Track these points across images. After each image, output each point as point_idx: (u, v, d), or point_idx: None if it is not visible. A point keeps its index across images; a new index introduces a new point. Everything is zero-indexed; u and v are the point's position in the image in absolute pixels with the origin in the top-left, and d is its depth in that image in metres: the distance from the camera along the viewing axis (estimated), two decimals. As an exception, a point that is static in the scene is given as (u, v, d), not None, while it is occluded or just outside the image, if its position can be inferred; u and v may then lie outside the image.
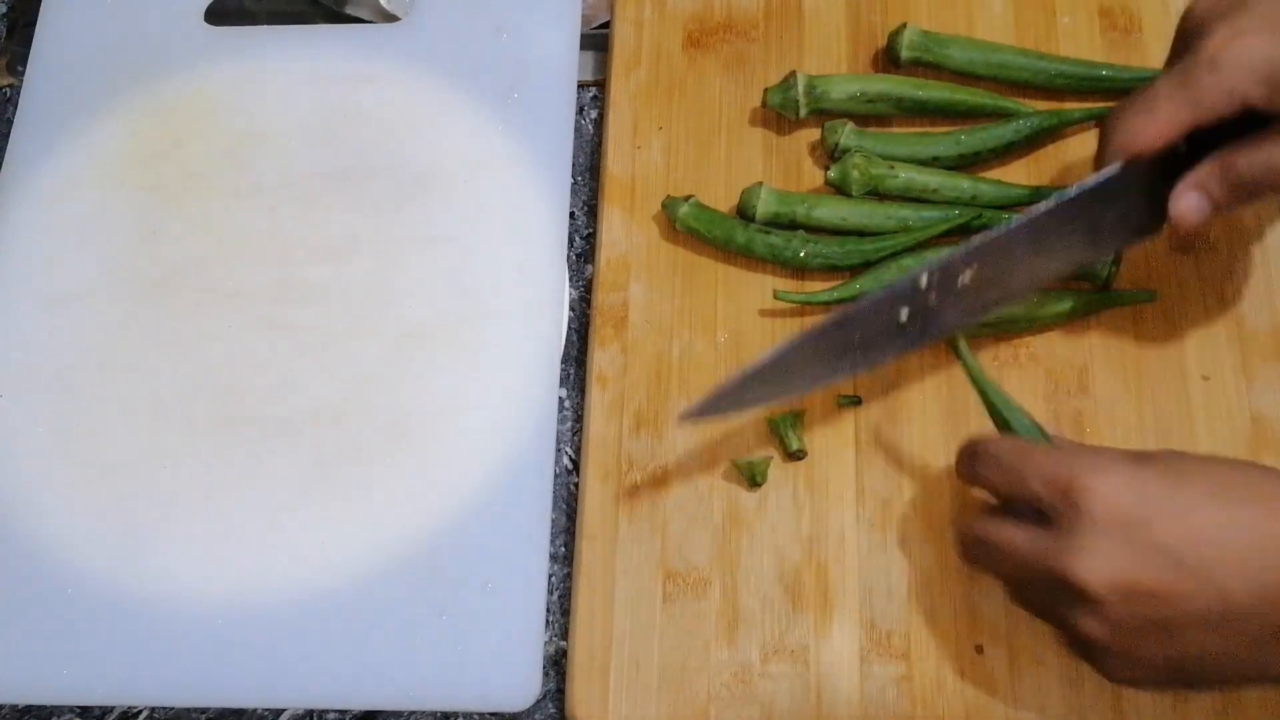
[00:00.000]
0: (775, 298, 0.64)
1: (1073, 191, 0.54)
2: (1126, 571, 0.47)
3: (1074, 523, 0.48)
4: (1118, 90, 0.67)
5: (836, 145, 0.66)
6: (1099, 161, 0.55)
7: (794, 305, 0.64)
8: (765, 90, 0.68)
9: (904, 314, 0.55)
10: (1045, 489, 0.50)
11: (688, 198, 0.66)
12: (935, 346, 0.63)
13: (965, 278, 0.55)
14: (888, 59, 0.69)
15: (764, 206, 0.65)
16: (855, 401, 0.62)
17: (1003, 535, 0.51)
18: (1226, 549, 0.47)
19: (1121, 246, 0.60)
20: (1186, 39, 0.54)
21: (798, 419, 0.61)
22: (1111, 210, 0.56)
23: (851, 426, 0.62)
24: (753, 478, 0.60)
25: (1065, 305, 0.63)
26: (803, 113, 0.67)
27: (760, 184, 0.65)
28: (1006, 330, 0.63)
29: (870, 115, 0.68)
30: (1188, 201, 0.54)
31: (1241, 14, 0.51)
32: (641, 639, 0.58)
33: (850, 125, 0.66)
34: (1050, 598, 0.50)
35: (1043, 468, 0.50)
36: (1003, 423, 0.56)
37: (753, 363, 0.54)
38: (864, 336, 0.55)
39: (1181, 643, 0.48)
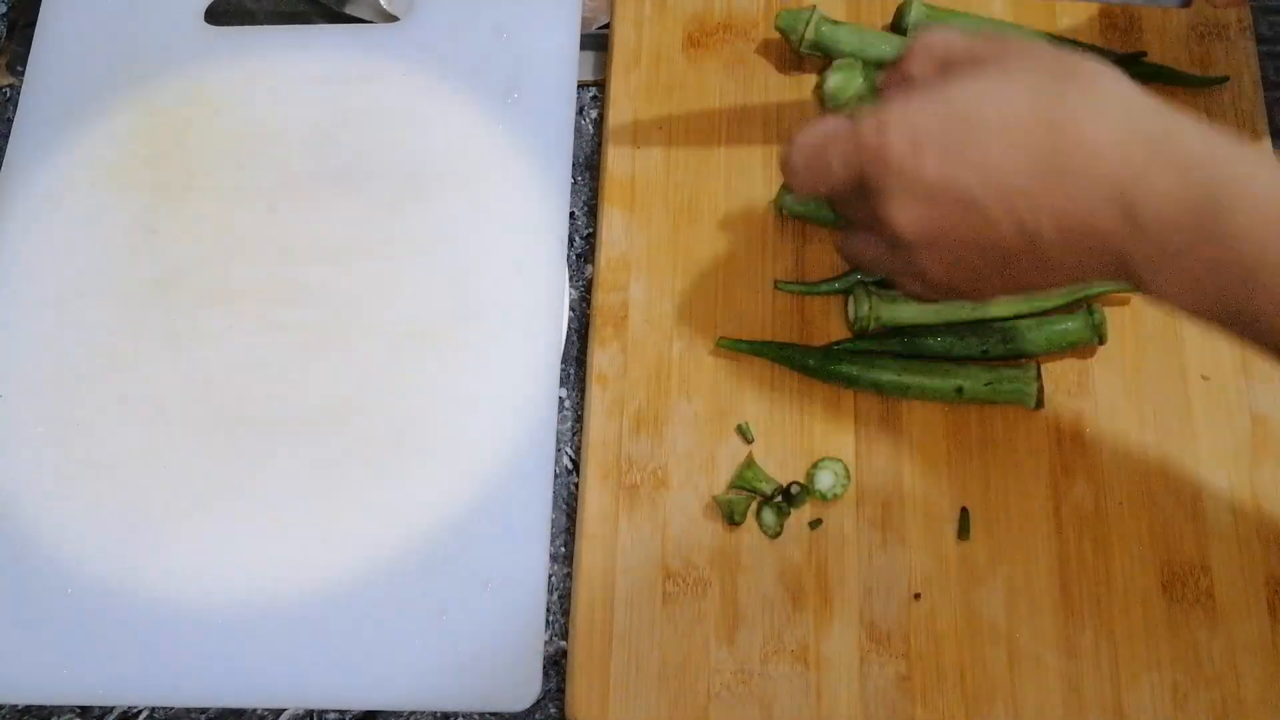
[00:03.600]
0: (775, 288, 0.64)
1: None
2: (929, 222, 0.49)
3: (875, 183, 0.50)
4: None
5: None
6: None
7: (793, 306, 0.64)
8: (778, 13, 0.69)
9: None
10: (841, 163, 0.51)
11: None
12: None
13: None
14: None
15: None
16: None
17: (842, 208, 0.55)
18: (1023, 184, 0.47)
19: None
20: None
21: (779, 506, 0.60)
22: None
23: (851, 426, 0.62)
24: (731, 516, 0.60)
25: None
26: (805, 45, 0.68)
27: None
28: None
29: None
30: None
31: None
32: (641, 639, 0.58)
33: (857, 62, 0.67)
34: (891, 253, 0.52)
35: (834, 143, 0.52)
36: None
37: None
38: None
39: (1002, 265, 0.50)
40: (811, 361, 0.63)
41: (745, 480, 0.61)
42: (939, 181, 0.49)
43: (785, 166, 0.54)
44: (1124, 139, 0.47)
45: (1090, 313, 0.62)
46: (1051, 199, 0.47)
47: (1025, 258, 0.49)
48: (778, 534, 0.60)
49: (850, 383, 0.62)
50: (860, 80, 0.66)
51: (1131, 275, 0.48)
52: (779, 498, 0.60)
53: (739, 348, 0.64)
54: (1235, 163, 0.46)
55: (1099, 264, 0.48)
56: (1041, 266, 0.50)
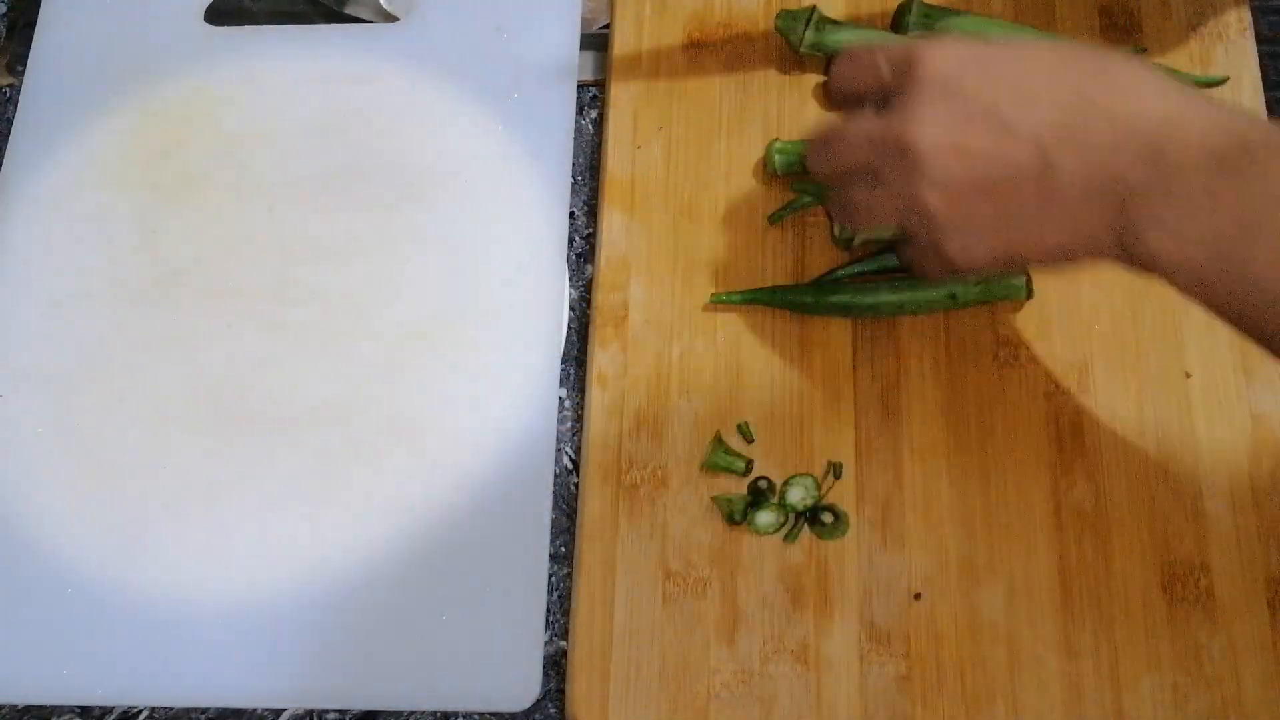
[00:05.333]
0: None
1: None
2: (955, 133, 0.51)
3: (910, 92, 0.52)
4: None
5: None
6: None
7: (786, 303, 0.64)
8: (778, 13, 0.69)
9: None
10: (889, 66, 0.54)
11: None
12: (934, 346, 0.63)
13: None
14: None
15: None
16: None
17: (852, 125, 0.55)
18: (1054, 117, 0.50)
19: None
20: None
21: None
22: None
23: (851, 426, 0.62)
24: (730, 516, 0.60)
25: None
26: (805, 45, 0.68)
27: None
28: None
29: None
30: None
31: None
32: (641, 639, 0.58)
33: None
34: (894, 178, 0.53)
35: (888, 51, 0.54)
36: None
37: None
38: None
39: (1006, 205, 0.51)
40: (808, 298, 0.63)
41: (715, 464, 0.61)
42: (975, 96, 0.51)
43: (834, 71, 0.58)
44: (1162, 91, 0.49)
45: None
46: (1080, 133, 0.49)
47: (1032, 197, 0.50)
48: (774, 533, 0.60)
49: (847, 311, 0.63)
50: None
51: (1130, 225, 0.48)
52: (750, 496, 0.60)
53: (733, 299, 0.64)
54: (1267, 124, 0.48)
55: (1102, 211, 0.49)
56: (1044, 209, 0.50)
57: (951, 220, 0.53)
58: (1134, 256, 0.49)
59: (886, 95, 0.54)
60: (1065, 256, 0.53)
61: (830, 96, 0.57)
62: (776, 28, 0.69)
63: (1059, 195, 0.50)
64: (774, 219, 0.66)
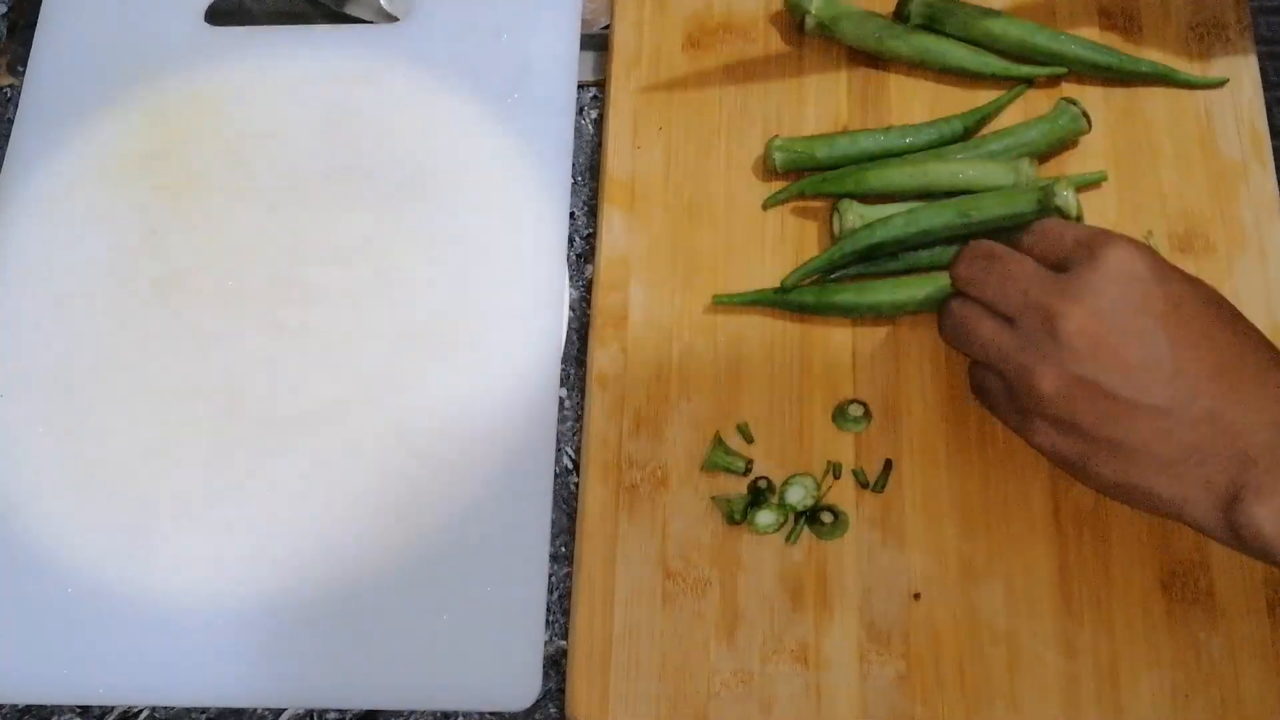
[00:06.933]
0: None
1: None
2: (1110, 331, 0.51)
3: (1088, 271, 0.52)
4: (1124, 77, 0.68)
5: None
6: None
7: (788, 305, 0.64)
8: None
9: None
10: (1074, 239, 0.54)
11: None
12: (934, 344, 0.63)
13: None
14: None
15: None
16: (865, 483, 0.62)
17: (1021, 263, 0.54)
18: (1210, 368, 0.50)
19: None
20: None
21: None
22: None
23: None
24: (730, 515, 0.60)
25: None
26: (810, 23, 0.69)
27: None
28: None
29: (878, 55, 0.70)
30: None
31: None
32: (641, 639, 0.58)
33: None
34: (1026, 330, 0.53)
35: (1076, 229, 0.55)
36: None
37: None
38: None
39: (1114, 425, 0.51)
40: (809, 299, 0.63)
41: (715, 464, 0.61)
42: (1146, 308, 0.51)
43: (957, 262, 0.57)
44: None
45: (1046, 188, 0.63)
46: (1225, 396, 0.50)
47: (1148, 432, 0.50)
48: (774, 532, 0.60)
49: (848, 311, 0.63)
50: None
51: (1239, 496, 0.49)
52: (750, 495, 0.60)
53: (735, 301, 0.64)
54: None
55: (1213, 476, 0.50)
56: (1152, 448, 0.51)
57: (1053, 404, 0.52)
58: (1236, 527, 0.50)
59: (1055, 267, 0.54)
60: (1148, 504, 0.53)
61: (956, 283, 0.58)
62: (786, 4, 0.70)
63: (1175, 441, 0.50)
64: (769, 203, 0.66)
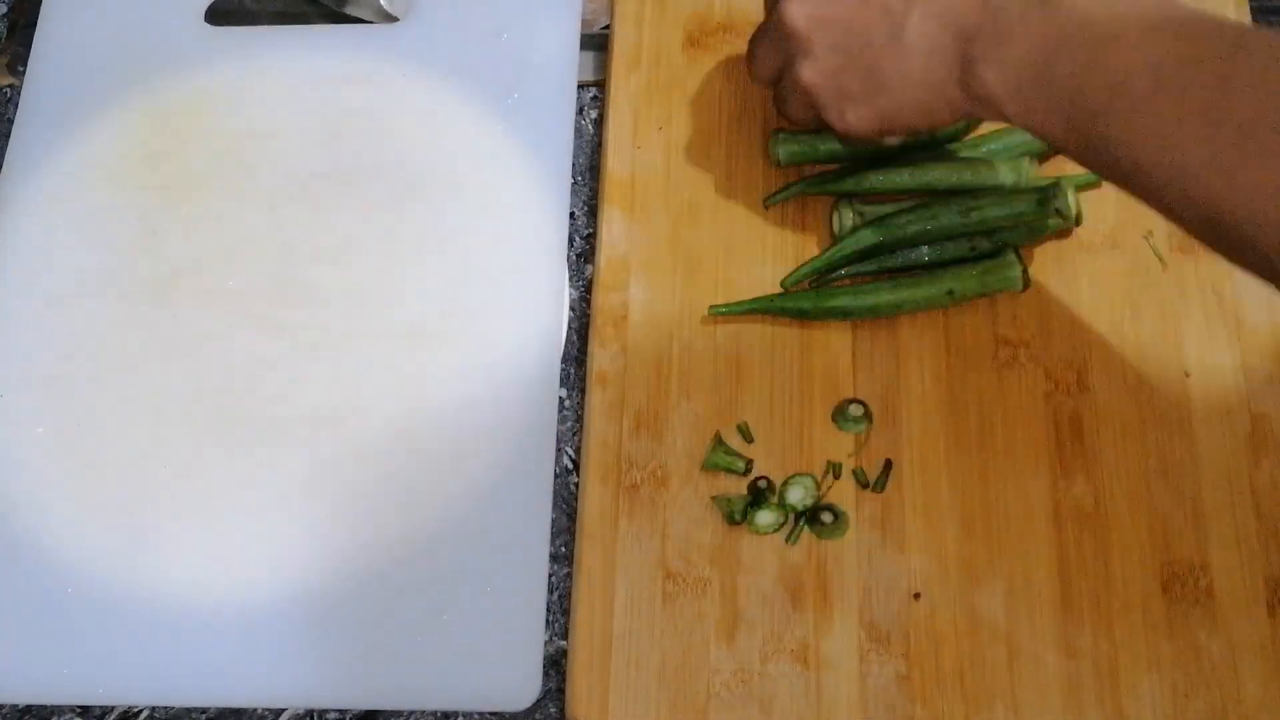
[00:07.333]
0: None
1: None
2: (817, 6, 0.58)
3: None
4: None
5: None
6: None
7: (785, 312, 0.64)
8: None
9: None
10: None
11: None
12: (935, 344, 0.63)
13: None
14: None
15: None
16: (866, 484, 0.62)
17: (758, 30, 0.63)
18: None
19: None
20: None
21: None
22: None
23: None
24: (730, 515, 0.60)
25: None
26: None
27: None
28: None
29: None
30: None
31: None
32: (641, 639, 0.58)
33: None
34: (787, 64, 0.60)
35: None
36: None
37: None
38: None
39: (869, 72, 0.57)
40: (806, 304, 0.64)
41: (715, 463, 0.61)
42: None
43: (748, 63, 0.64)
44: None
45: (1046, 189, 0.63)
46: None
47: (889, 60, 0.57)
48: (774, 532, 0.60)
49: (846, 314, 0.64)
50: None
51: (968, 66, 0.54)
52: (750, 495, 0.60)
53: (734, 310, 0.64)
54: None
55: (946, 59, 0.55)
56: (900, 69, 0.56)
57: (827, 92, 0.59)
58: (975, 96, 0.54)
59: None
60: (927, 114, 0.58)
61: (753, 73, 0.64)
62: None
63: (909, 52, 0.56)
64: (769, 202, 0.66)
